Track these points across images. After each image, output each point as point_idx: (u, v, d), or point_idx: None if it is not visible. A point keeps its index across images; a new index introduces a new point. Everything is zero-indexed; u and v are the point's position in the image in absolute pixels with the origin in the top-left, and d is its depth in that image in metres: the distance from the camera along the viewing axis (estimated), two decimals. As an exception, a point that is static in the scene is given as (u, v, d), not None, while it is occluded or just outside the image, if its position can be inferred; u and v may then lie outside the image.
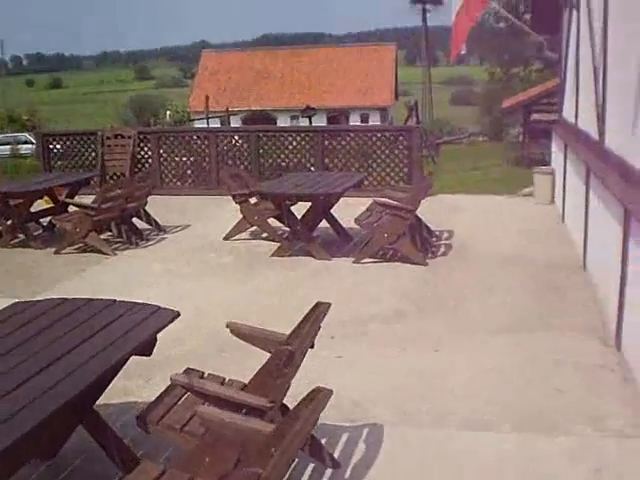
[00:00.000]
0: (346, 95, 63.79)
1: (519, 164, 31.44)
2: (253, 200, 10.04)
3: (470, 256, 9.03)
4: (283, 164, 13.67)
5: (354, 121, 62.83)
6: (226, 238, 10.19)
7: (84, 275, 8.73)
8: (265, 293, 7.72)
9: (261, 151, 13.75)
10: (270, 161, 13.76)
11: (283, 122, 61.71)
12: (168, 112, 26.14)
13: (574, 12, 10.15)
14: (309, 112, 33.36)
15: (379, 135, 13.21)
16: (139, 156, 14.47)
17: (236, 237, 10.20)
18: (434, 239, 9.89)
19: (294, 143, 13.59)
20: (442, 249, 9.45)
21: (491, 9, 44.93)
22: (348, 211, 10.79)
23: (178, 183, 14.33)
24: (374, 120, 62.59)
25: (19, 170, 20.84)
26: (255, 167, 13.67)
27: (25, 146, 40.31)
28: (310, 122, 33.97)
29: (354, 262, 8.74)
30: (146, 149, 14.45)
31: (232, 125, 64.83)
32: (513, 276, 8.09)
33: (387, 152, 13.17)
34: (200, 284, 8.16)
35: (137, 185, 10.49)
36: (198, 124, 64.90)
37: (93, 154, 14.73)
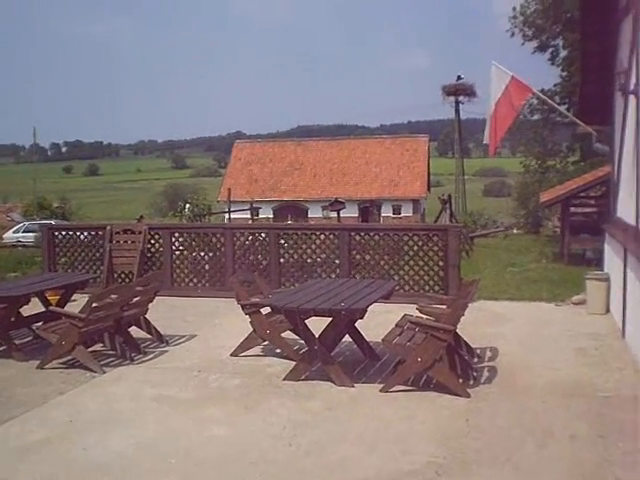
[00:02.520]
0: (378, 186, 63.29)
1: (558, 260, 29.95)
2: (266, 309, 8.73)
3: (519, 384, 7.56)
4: (306, 263, 12.40)
5: (386, 212, 62.15)
6: (234, 354, 8.85)
7: (61, 400, 7.37)
8: (270, 436, 6.28)
9: (282, 251, 12.51)
10: (291, 260, 12.50)
11: (314, 212, 61.16)
12: (187, 205, 25.19)
13: (632, 99, 8.93)
14: (337, 206, 32.33)
15: (411, 234, 11.92)
16: (149, 254, 13.31)
17: (246, 353, 8.86)
18: (475, 360, 8.46)
19: (317, 242, 12.36)
20: (485, 374, 7.99)
21: (525, 101, 44.42)
22: (375, 321, 9.50)
23: (191, 284, 13.09)
24: (406, 211, 61.83)
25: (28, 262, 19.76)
26: (275, 266, 12.42)
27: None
28: (338, 215, 32.89)
29: (381, 390, 7.32)
30: (157, 245, 13.29)
31: (262, 215, 65.10)
32: (574, 415, 6.60)
33: (420, 254, 11.86)
34: (194, 419, 6.76)
35: (135, 291, 9.24)
36: (232, 215, 64.98)
37: (101, 250, 13.58)
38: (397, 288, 11.81)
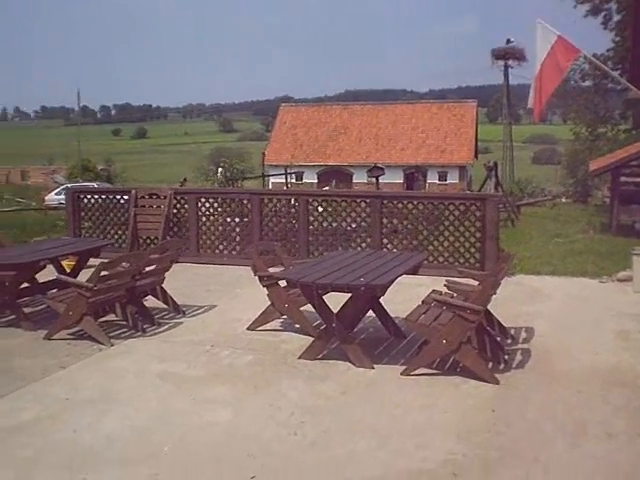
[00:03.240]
0: (424, 152, 62.33)
1: (607, 232, 28.94)
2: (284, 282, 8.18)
3: (555, 370, 6.92)
4: (337, 231, 11.82)
5: (432, 179, 61.30)
6: (251, 328, 8.34)
7: (60, 375, 6.93)
8: (276, 422, 5.75)
9: (311, 218, 11.93)
10: (320, 228, 11.93)
11: (359, 178, 60.41)
12: (220, 169, 24.56)
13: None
14: (376, 172, 31.51)
15: (447, 203, 11.24)
16: (175, 219, 12.83)
17: (263, 327, 8.35)
18: (509, 341, 7.83)
19: (348, 209, 11.75)
20: (519, 357, 7.35)
21: (576, 66, 42.93)
22: (404, 295, 8.94)
23: (217, 251, 12.59)
24: (452, 178, 60.85)
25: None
26: (303, 235, 11.86)
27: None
28: (377, 182, 32.10)
29: (402, 373, 6.74)
30: (183, 211, 12.81)
31: (306, 180, 64.52)
32: (612, 408, 5.95)
33: (457, 224, 11.19)
34: (198, 400, 6.26)
35: (149, 259, 8.76)
36: (273, 179, 64.62)
37: (126, 215, 13.15)
38: (431, 260, 11.24)
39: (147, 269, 8.84)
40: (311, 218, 11.88)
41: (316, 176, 63.95)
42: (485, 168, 32.97)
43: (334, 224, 11.89)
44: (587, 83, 43.53)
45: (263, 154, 30.42)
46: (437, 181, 61.36)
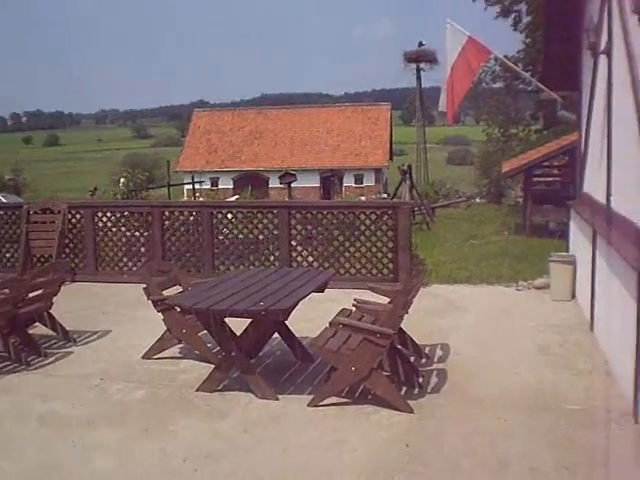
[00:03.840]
0: (340, 155, 62.18)
1: (521, 232, 29.07)
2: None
3: (472, 394, 6.44)
4: (242, 245, 11.19)
5: (348, 182, 61.16)
6: (146, 356, 7.64)
7: None
8: (166, 472, 5.09)
9: (215, 231, 11.27)
10: (226, 242, 11.27)
11: (275, 182, 59.59)
12: (122, 179, 23.53)
13: (602, 60, 7.81)
14: (288, 178, 30.97)
15: (358, 212, 10.73)
16: (71, 235, 11.98)
17: (161, 355, 7.66)
18: (423, 360, 7.34)
19: (254, 221, 11.14)
20: (434, 379, 6.85)
21: (487, 68, 43.24)
22: (315, 312, 8.41)
23: (116, 268, 11.79)
24: (369, 181, 60.89)
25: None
26: (208, 249, 11.19)
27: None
28: (289, 188, 31.52)
29: (309, 405, 6.16)
30: (79, 226, 11.96)
31: (221, 186, 63.54)
32: (535, 437, 5.48)
33: (368, 234, 10.70)
34: (80, 447, 5.55)
35: (31, 284, 7.97)
36: (188, 187, 63.35)
37: (18, 231, 12.22)
38: (343, 272, 10.73)
39: (32, 294, 8.06)
40: (215, 231, 11.20)
41: (232, 182, 63.09)
42: (399, 171, 32.76)
43: (240, 236, 11.24)
44: (498, 85, 43.92)
45: (168, 162, 29.24)
46: (353, 184, 61.27)
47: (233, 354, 6.37)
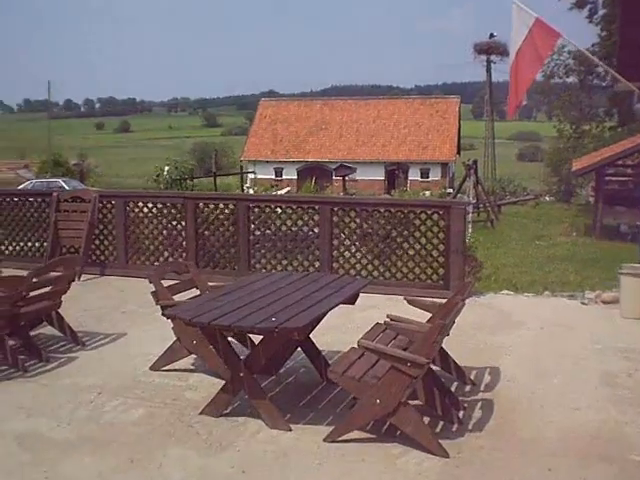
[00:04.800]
0: (406, 148, 61.00)
1: (590, 234, 27.64)
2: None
3: (522, 435, 5.39)
4: (280, 242, 10.30)
5: (414, 176, 59.96)
6: (154, 368, 6.81)
7: None
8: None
9: (252, 227, 10.40)
10: (262, 239, 10.40)
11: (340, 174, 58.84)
12: (167, 167, 22.79)
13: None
14: (343, 171, 29.98)
15: (406, 211, 9.72)
16: (101, 225, 11.26)
17: (171, 366, 6.82)
18: (467, 388, 6.34)
19: (293, 217, 10.23)
20: (477, 413, 5.83)
21: (560, 61, 41.57)
22: (351, 321, 7.58)
23: (147, 262, 11.02)
24: (435, 175, 59.60)
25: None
26: (244, 245, 10.33)
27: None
28: (344, 181, 30.50)
29: (325, 440, 5.22)
30: (110, 216, 11.23)
31: (285, 177, 63.03)
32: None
33: (417, 235, 9.69)
34: (50, 479, 4.75)
35: (34, 282, 7.20)
36: (251, 176, 63.03)
37: (48, 220, 11.54)
38: (388, 276, 9.76)
39: (36, 293, 7.31)
40: (252, 227, 10.32)
41: (296, 172, 62.47)
42: (464, 167, 31.59)
43: (279, 233, 10.34)
44: (572, 79, 42.32)
45: (215, 152, 28.30)
46: (419, 178, 60.06)
47: (241, 375, 5.47)
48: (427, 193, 49.70)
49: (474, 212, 29.81)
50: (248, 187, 30.30)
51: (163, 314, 6.29)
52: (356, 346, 5.58)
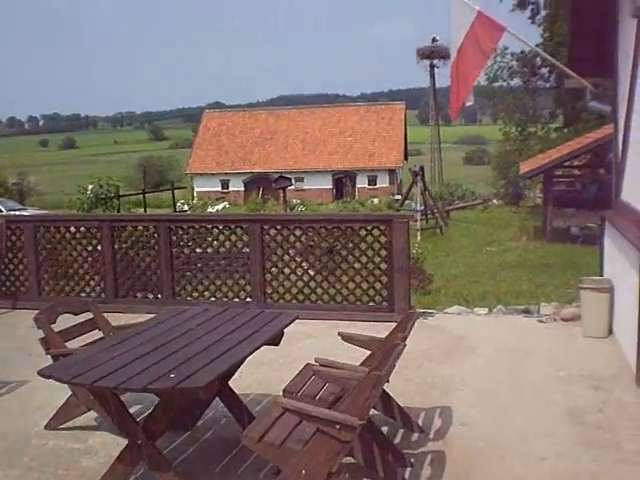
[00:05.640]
0: (353, 156, 60.48)
1: (541, 237, 27.10)
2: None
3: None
4: (206, 266, 9.31)
5: (361, 183, 59.42)
6: (49, 426, 5.78)
7: None
8: None
9: (175, 250, 9.38)
10: (187, 264, 9.39)
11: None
12: (90, 185, 21.51)
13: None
14: (282, 182, 29.04)
15: (343, 227, 8.79)
16: (10, 254, 10.15)
17: (67, 424, 5.79)
18: (415, 436, 5.42)
19: (221, 237, 9.24)
20: (427, 470, 4.89)
21: (504, 63, 41.21)
22: (284, 355, 6.68)
23: (62, 293, 9.92)
24: (382, 182, 59.12)
25: None
26: (167, 271, 9.32)
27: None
28: (284, 194, 29.52)
29: (243, 519, 4.27)
30: (19, 243, 10.12)
31: (232, 188, 61.93)
32: None
33: (357, 253, 8.78)
34: None
35: None
36: (198, 188, 61.82)
37: (-48, 250, 10.38)
38: (327, 299, 8.84)
39: None
40: (175, 250, 9.30)
41: (243, 184, 61.50)
42: (410, 173, 30.86)
43: (204, 256, 9.35)
44: (515, 81, 41.98)
45: (144, 170, 26.87)
46: (367, 185, 59.58)
47: (139, 442, 4.48)
48: (375, 200, 49.09)
49: (422, 219, 29.15)
50: (183, 203, 29.06)
51: (38, 373, 5.21)
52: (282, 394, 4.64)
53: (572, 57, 9.23)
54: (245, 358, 4.69)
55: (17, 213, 29.14)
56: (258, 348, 4.86)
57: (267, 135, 64.49)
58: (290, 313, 5.69)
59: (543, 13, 37.75)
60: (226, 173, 62.68)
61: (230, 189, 62.23)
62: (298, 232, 8.84)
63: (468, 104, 9.76)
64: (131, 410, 5.04)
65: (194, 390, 4.12)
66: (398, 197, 46.12)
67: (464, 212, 39.59)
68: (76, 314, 6.20)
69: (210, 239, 9.22)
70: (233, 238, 9.09)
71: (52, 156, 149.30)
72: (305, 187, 59.58)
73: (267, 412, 4.57)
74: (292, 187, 52.99)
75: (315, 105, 78.46)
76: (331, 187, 60.20)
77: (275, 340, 5.33)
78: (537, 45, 38.69)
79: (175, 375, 4.20)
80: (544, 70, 39.35)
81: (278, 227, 8.92)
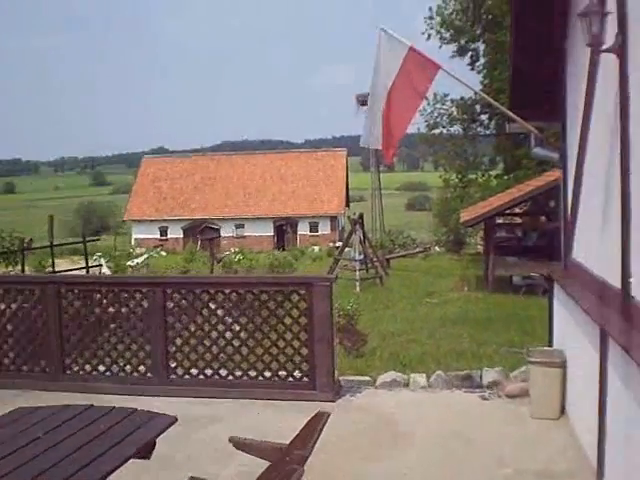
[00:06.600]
0: (294, 203, 59.75)
1: (482, 287, 26.29)
2: None
3: None
4: (99, 340, 8.04)
5: (303, 230, 58.60)
6: None
7: None
8: None
9: (66, 316, 8.09)
10: (79, 332, 8.11)
11: (227, 231, 56.92)
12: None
13: (609, 60, 4.97)
14: (209, 233, 27.88)
15: (257, 292, 7.63)
16: None
17: None
18: None
19: (116, 304, 7.98)
20: None
21: (444, 110, 40.96)
22: (184, 447, 5.42)
23: None
24: (324, 229, 58.46)
25: None
26: (56, 342, 8.03)
27: None
28: (211, 246, 28.28)
29: None
30: None
31: (170, 235, 60.49)
32: None
33: (273, 321, 7.61)
34: None
35: None
36: (136, 235, 60.24)
37: None
38: (239, 375, 7.65)
39: None
40: (66, 317, 8.02)
41: (182, 231, 60.18)
42: (350, 221, 29.94)
43: (99, 322, 8.08)
44: (455, 128, 41.70)
45: (50, 217, 24.91)
46: (309, 232, 58.84)
47: None
48: (316, 248, 48.13)
49: (362, 269, 28.21)
50: (100, 255, 27.57)
51: None
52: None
53: (514, 100, 8.31)
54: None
55: None
56: (110, 473, 3.64)
57: (207, 181, 63.63)
58: (167, 417, 4.45)
59: (482, 60, 37.59)
60: (164, 220, 61.41)
61: (169, 236, 60.90)
62: (206, 297, 7.65)
63: (396, 149, 8.71)
64: None
65: None
66: (339, 244, 45.27)
67: (405, 260, 38.80)
68: None
69: (104, 304, 7.95)
70: (131, 305, 7.85)
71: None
72: (246, 234, 58.60)
73: None
74: (222, 236, 51.94)
75: (257, 152, 77.81)
76: (272, 234, 59.24)
77: (145, 451, 4.12)
78: (476, 93, 38.56)
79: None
80: (484, 117, 39.10)
81: (182, 291, 7.71)
